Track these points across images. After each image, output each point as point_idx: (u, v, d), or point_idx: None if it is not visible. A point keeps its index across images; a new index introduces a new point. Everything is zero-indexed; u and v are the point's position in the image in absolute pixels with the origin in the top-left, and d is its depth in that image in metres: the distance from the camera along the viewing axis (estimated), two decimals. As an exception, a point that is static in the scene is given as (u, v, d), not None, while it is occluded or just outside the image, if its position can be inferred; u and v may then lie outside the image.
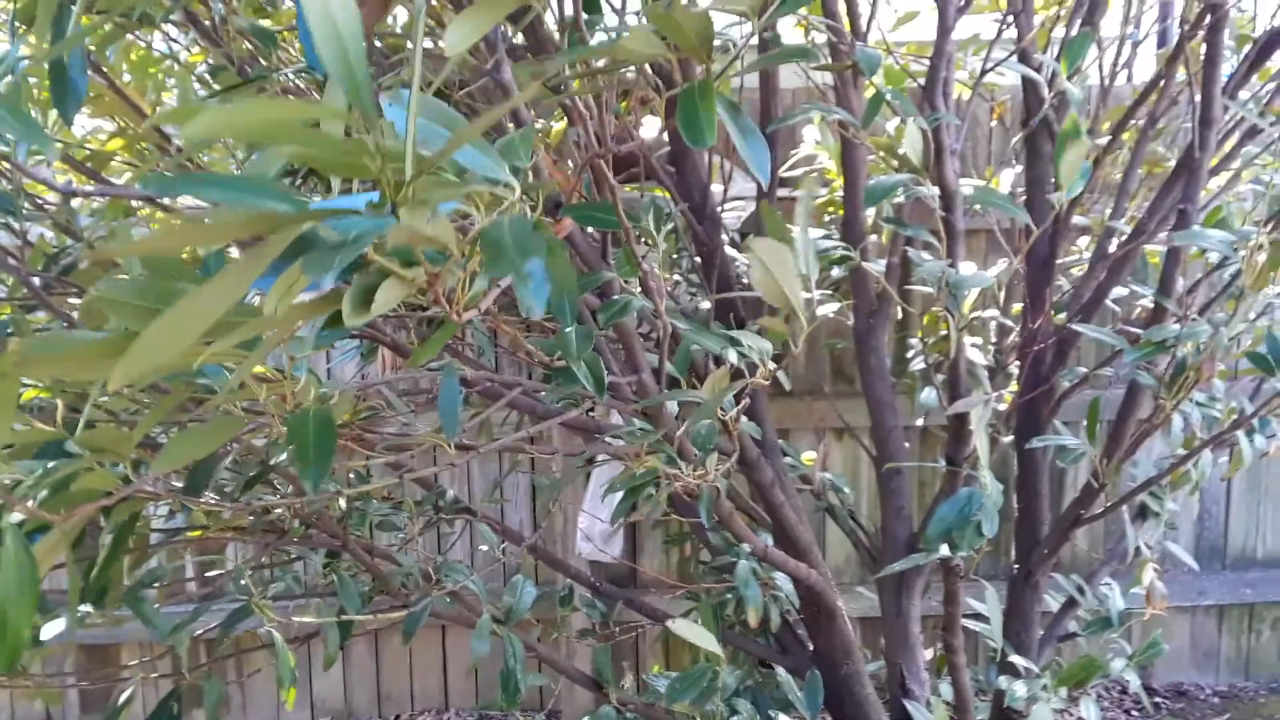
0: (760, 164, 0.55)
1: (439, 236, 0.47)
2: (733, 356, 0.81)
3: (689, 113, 0.59)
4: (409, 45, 1.38)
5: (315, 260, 0.45)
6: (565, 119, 1.25)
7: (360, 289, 0.51)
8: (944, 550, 1.37)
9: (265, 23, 1.31)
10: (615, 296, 0.91)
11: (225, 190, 0.51)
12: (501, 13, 0.48)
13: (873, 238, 1.73)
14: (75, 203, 1.49)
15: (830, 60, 1.56)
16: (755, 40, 1.37)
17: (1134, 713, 2.94)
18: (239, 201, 0.50)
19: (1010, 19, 1.38)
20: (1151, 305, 1.42)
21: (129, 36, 1.50)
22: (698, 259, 1.76)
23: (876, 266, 1.36)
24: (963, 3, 1.23)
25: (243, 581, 1.20)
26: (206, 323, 0.46)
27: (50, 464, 0.70)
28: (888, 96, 1.02)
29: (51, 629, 1.08)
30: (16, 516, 0.68)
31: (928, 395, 1.83)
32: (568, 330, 0.82)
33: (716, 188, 1.74)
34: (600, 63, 0.75)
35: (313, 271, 0.43)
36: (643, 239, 0.98)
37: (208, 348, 0.55)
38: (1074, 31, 1.64)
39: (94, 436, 0.72)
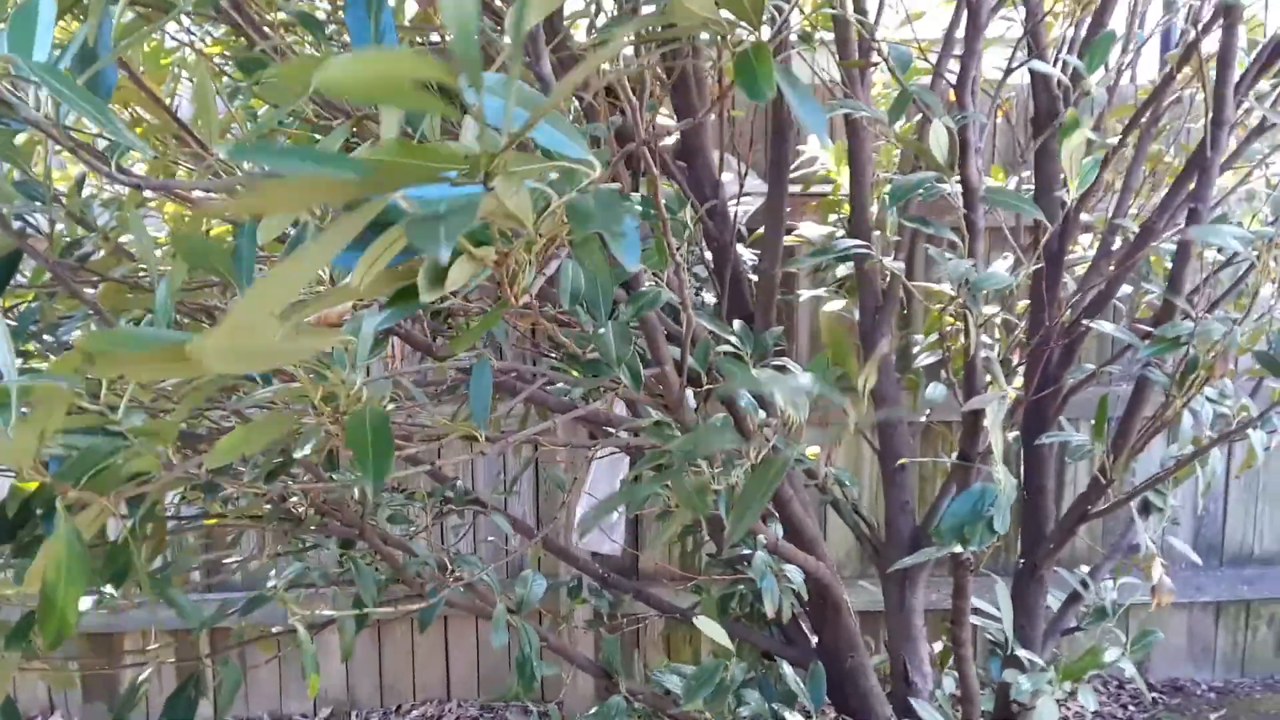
0: (817, 124, 0.56)
1: (518, 212, 0.49)
2: (779, 400, 0.82)
3: (747, 72, 0.62)
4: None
5: (421, 229, 0.46)
6: (585, 118, 1.26)
7: (434, 265, 0.52)
8: (955, 545, 1.38)
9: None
10: (643, 289, 0.93)
11: (298, 160, 0.52)
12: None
13: (877, 233, 1.74)
14: (86, 192, 1.49)
15: (836, 58, 1.58)
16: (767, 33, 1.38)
17: (1130, 707, 2.96)
18: (310, 170, 0.51)
19: (1023, 16, 1.39)
20: (1159, 304, 1.43)
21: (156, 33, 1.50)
22: (708, 254, 1.77)
23: (894, 264, 1.37)
24: (995, 2, 1.25)
25: (259, 568, 1.21)
26: (292, 294, 0.47)
27: (91, 443, 0.71)
28: (913, 93, 1.03)
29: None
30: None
31: (934, 391, 1.84)
32: (606, 327, 0.83)
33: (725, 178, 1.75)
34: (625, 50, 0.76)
35: (421, 240, 0.44)
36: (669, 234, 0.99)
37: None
38: (1083, 31, 1.66)
39: (141, 423, 0.73)
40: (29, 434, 0.64)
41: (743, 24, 0.67)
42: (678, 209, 0.97)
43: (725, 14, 0.67)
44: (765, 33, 0.69)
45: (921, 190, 1.04)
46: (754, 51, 0.65)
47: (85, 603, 1.24)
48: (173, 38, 1.60)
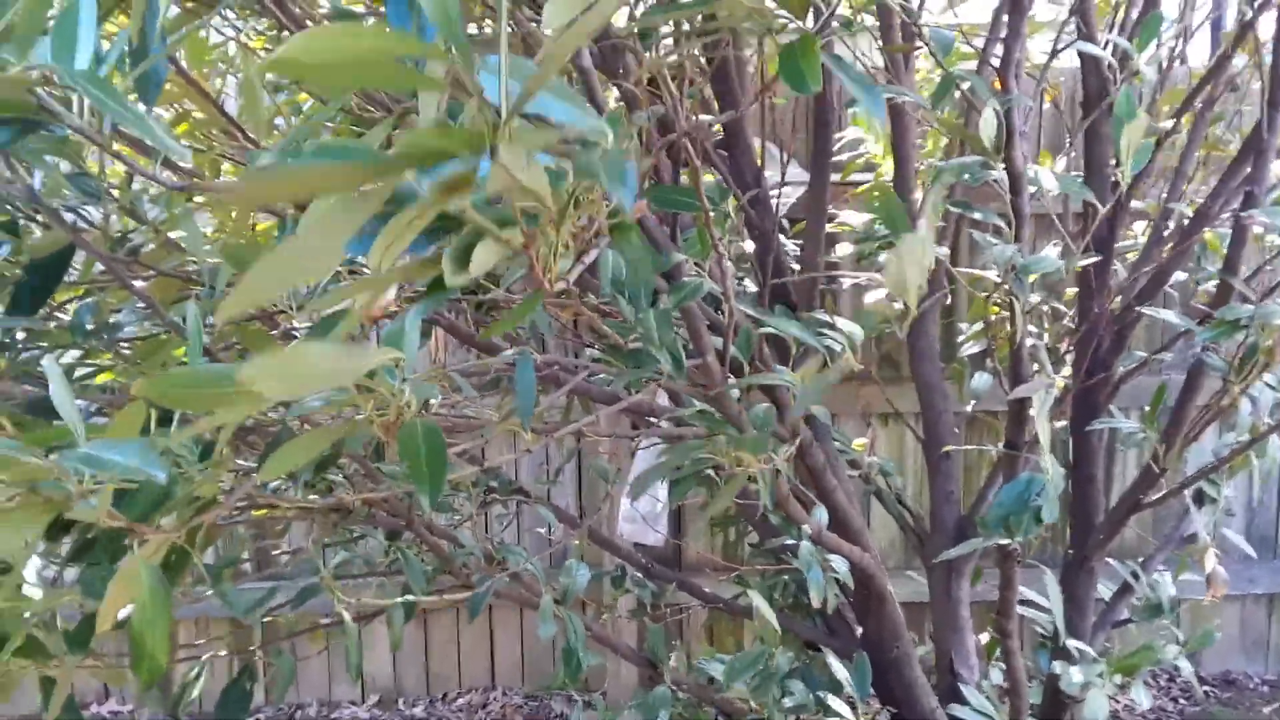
0: (876, 107, 0.55)
1: (534, 187, 0.48)
2: (814, 343, 0.81)
3: (792, 65, 0.60)
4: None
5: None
6: (625, 104, 1.26)
7: (459, 249, 0.52)
8: (1001, 535, 1.36)
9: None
10: (685, 279, 0.92)
11: (325, 157, 0.52)
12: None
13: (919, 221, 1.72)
14: (135, 187, 1.52)
15: (880, 43, 1.56)
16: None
17: (1180, 700, 2.91)
18: (346, 156, 0.51)
19: (1075, 1, 1.37)
20: (1214, 290, 1.40)
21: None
22: (750, 243, 1.76)
23: (939, 250, 1.35)
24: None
25: (307, 558, 1.23)
26: (305, 269, 0.47)
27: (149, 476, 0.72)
28: (958, 79, 1.02)
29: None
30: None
31: (980, 380, 1.82)
32: (648, 313, 0.83)
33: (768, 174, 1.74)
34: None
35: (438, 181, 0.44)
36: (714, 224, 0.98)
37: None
38: (1134, 13, 1.63)
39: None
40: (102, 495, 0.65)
41: (786, 14, 0.66)
42: (719, 199, 0.97)
43: (770, 3, 0.66)
44: (810, 22, 0.68)
45: (967, 175, 1.03)
46: (800, 44, 0.63)
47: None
48: (218, 32, 1.62)
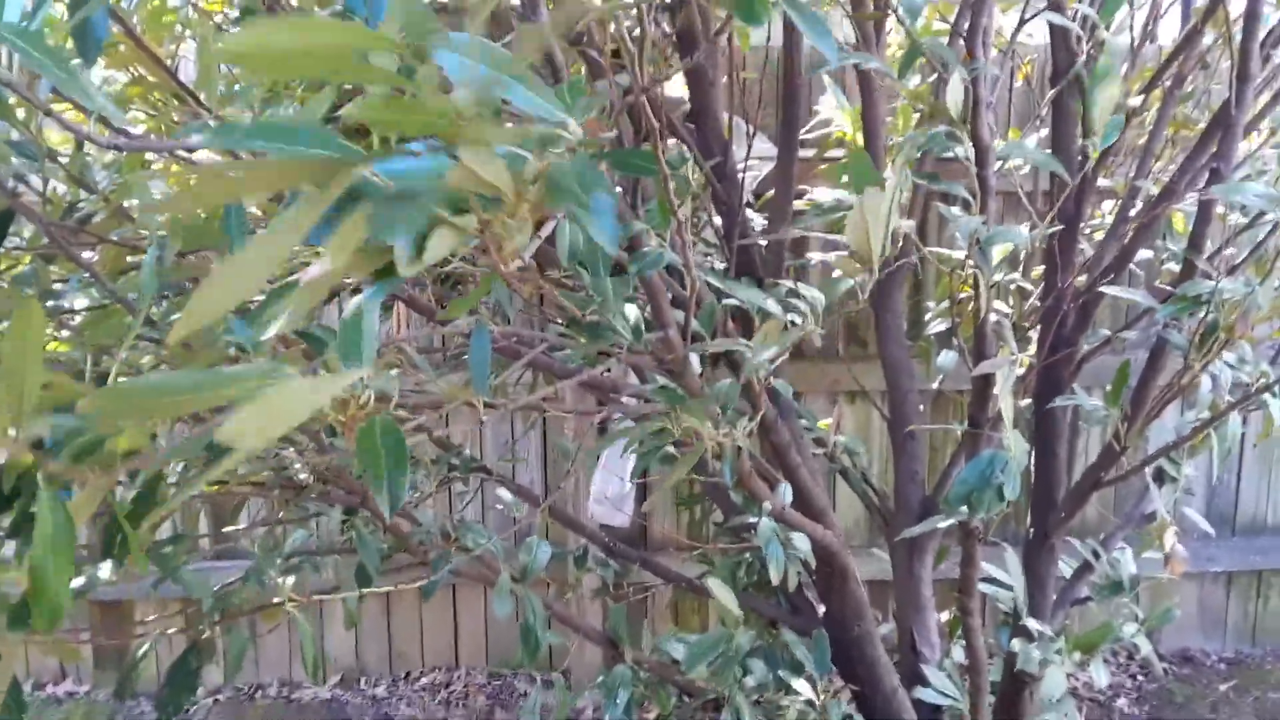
0: (826, 44, 0.53)
1: (495, 181, 0.46)
2: (774, 309, 0.79)
3: None
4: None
5: (382, 219, 0.44)
6: (591, 76, 1.23)
7: (411, 237, 0.50)
8: (963, 512, 1.36)
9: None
10: (645, 249, 0.90)
11: (276, 139, 0.49)
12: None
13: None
14: (88, 153, 1.47)
15: (849, 14, 1.54)
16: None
17: (1139, 677, 2.95)
18: (287, 150, 0.48)
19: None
20: (1178, 268, 1.40)
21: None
22: (716, 218, 1.74)
23: (905, 223, 1.34)
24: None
25: (266, 536, 1.20)
26: (261, 278, 0.45)
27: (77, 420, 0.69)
28: (923, 46, 1.00)
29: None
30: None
31: (946, 358, 1.82)
32: (603, 279, 0.80)
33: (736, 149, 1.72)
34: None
35: (382, 232, 0.42)
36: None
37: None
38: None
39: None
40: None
41: None
42: (679, 165, 0.94)
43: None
44: None
45: (933, 145, 1.01)
46: None
47: (105, 572, 1.22)
48: (170, -3, 1.57)
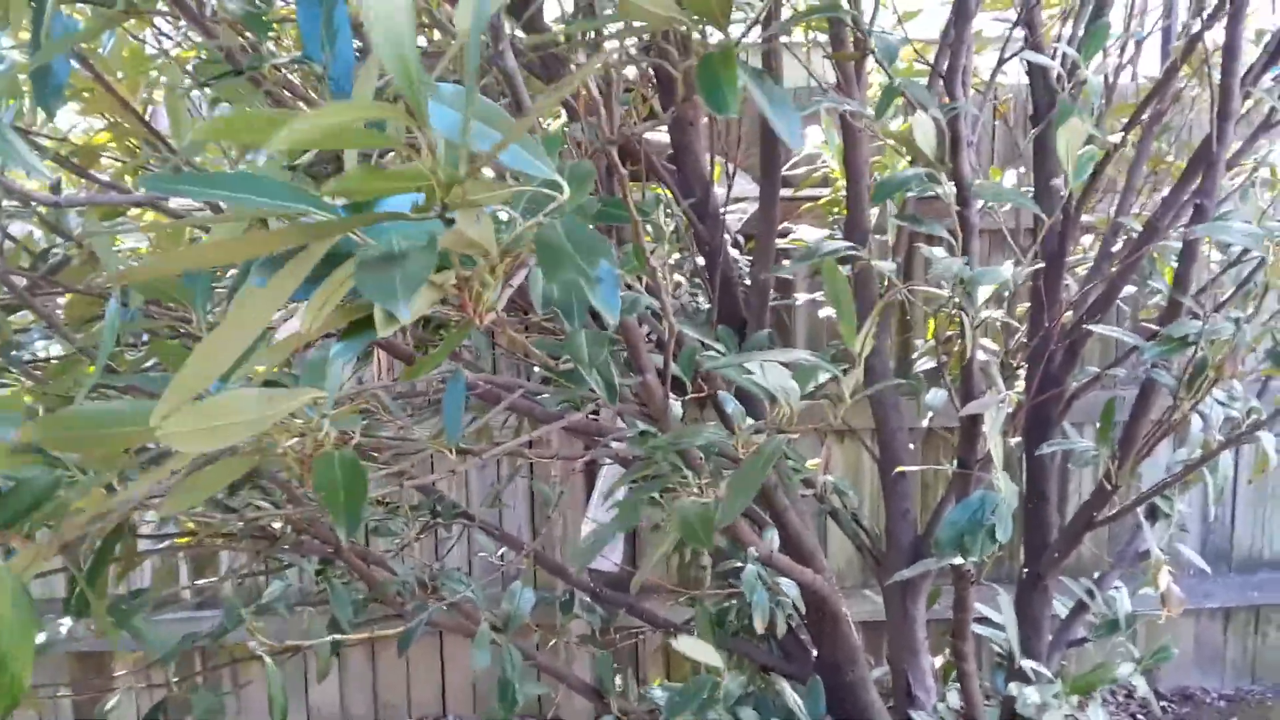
0: (791, 131, 0.51)
1: (482, 241, 0.44)
2: (746, 384, 0.77)
3: (710, 79, 0.54)
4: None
5: (373, 282, 0.41)
6: (565, 114, 1.22)
7: None
8: (953, 555, 1.33)
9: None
10: (621, 294, 0.88)
11: (237, 190, 0.47)
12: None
13: (876, 237, 1.70)
14: (63, 198, 1.45)
15: (830, 55, 1.53)
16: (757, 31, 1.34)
17: (1139, 717, 2.91)
18: (252, 202, 0.46)
19: (1021, 12, 1.35)
20: (1163, 305, 1.39)
21: (121, 31, 1.46)
22: (699, 259, 1.73)
23: (885, 265, 1.33)
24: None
25: (247, 586, 1.17)
26: (237, 352, 0.43)
27: (25, 477, 0.66)
28: (899, 86, 0.99)
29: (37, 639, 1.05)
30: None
31: (934, 396, 1.80)
32: (578, 333, 0.78)
33: (718, 189, 1.71)
34: (608, 41, 0.72)
35: (376, 295, 0.40)
36: (648, 237, 0.95)
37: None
38: (1081, 30, 1.62)
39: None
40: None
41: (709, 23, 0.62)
42: (651, 210, 0.93)
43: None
44: (735, 32, 0.64)
45: (912, 186, 1.00)
46: (717, 56, 0.58)
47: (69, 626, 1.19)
48: (154, 42, 1.56)
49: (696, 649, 1.01)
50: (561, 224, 0.50)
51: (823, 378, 0.86)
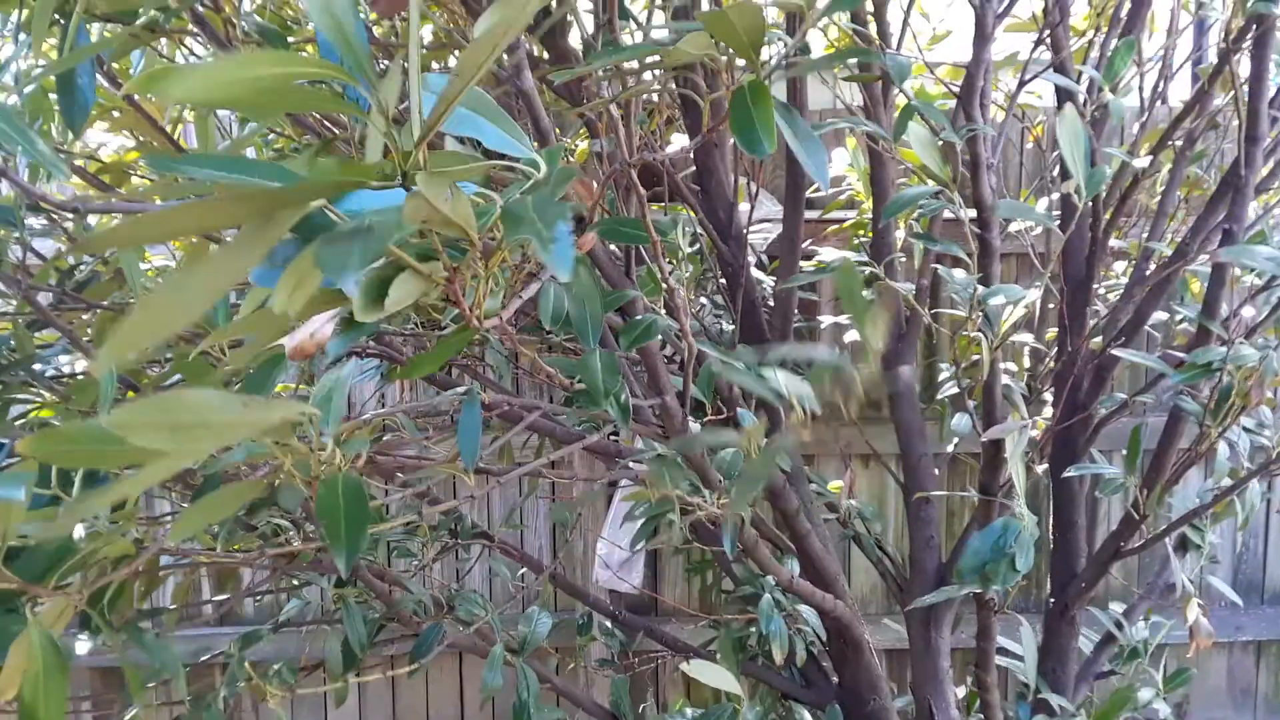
0: (819, 169, 0.50)
1: (458, 219, 0.43)
2: (764, 392, 0.76)
3: (743, 117, 0.54)
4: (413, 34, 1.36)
5: (332, 254, 0.41)
6: (589, 135, 1.22)
7: (373, 283, 0.47)
8: (975, 584, 1.31)
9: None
10: (639, 316, 0.88)
11: (230, 169, 0.48)
12: (530, 8, 0.44)
13: (902, 258, 1.69)
14: (91, 217, 1.47)
15: (855, 76, 1.53)
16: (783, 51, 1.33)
17: (1170, 752, 2.84)
18: (244, 180, 0.47)
19: (1046, 35, 1.34)
20: (1194, 329, 1.36)
21: (151, 50, 1.48)
22: (723, 280, 1.72)
23: (904, 286, 1.31)
24: (1001, 10, 1.19)
25: (270, 601, 1.16)
26: (201, 305, 0.42)
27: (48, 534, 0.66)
28: (916, 106, 0.98)
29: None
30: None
31: (959, 421, 1.78)
32: (592, 355, 0.78)
33: (743, 207, 1.70)
34: (630, 63, 0.71)
35: (331, 268, 0.39)
36: (667, 258, 0.94)
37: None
38: (1109, 50, 1.60)
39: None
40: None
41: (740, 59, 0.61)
42: (669, 231, 0.93)
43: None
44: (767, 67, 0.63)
45: (924, 205, 0.99)
46: (750, 92, 0.57)
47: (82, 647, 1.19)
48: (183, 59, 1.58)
49: (714, 675, 0.99)
50: (531, 196, 0.50)
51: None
